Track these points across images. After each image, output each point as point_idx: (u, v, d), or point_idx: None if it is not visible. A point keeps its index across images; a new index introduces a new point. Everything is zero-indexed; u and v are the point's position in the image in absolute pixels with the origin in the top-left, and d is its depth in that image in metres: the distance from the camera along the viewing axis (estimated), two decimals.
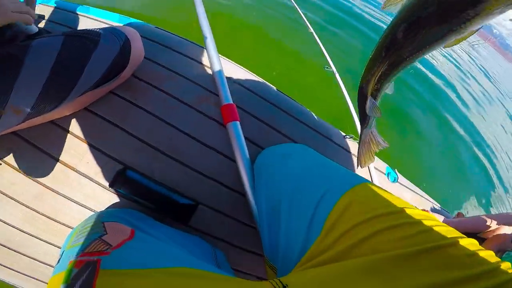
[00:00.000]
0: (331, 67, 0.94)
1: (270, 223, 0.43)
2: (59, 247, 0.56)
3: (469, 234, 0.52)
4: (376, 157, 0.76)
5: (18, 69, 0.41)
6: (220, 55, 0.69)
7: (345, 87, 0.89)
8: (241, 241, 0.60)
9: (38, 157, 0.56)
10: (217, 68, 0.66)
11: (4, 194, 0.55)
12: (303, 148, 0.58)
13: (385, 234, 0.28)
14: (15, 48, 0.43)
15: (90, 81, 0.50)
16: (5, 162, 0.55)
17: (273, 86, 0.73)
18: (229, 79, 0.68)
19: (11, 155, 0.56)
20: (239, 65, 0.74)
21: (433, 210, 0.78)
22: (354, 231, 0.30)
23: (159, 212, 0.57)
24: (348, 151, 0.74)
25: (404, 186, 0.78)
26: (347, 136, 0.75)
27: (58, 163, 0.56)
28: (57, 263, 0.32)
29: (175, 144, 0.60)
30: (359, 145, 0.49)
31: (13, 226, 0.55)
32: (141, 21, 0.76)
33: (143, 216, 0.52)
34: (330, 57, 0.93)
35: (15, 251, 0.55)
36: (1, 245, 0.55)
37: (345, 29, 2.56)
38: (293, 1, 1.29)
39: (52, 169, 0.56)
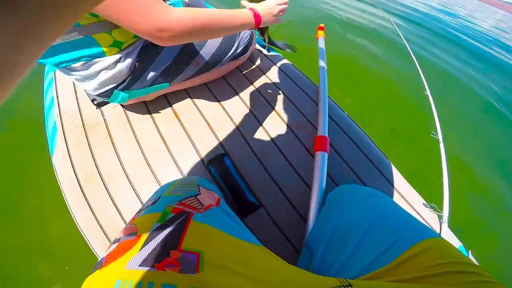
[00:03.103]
0: (437, 135, 0.89)
1: (330, 244, 0.46)
2: (139, 201, 0.64)
3: None
4: (451, 233, 0.69)
5: None
6: (328, 96, 0.78)
7: (446, 159, 0.82)
8: (277, 252, 0.61)
9: (173, 121, 0.76)
10: (323, 104, 0.76)
11: (135, 136, 0.73)
12: (383, 194, 0.59)
13: (454, 276, 0.31)
14: None
15: (233, 53, 0.76)
16: (152, 117, 0.77)
17: (368, 137, 0.77)
18: (329, 116, 0.76)
19: (158, 113, 0.77)
20: (342, 109, 0.81)
21: None
22: (427, 268, 0.32)
23: (229, 198, 0.67)
24: (423, 218, 0.69)
25: None
26: (428, 205, 0.70)
27: (183, 131, 0.74)
28: (152, 205, 0.36)
29: (267, 152, 0.71)
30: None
31: (120, 162, 0.68)
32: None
33: (222, 196, 0.63)
34: (440, 124, 0.88)
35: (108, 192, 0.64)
36: (102, 178, 0.66)
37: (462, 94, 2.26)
38: (416, 62, 1.27)
39: (177, 133, 0.74)
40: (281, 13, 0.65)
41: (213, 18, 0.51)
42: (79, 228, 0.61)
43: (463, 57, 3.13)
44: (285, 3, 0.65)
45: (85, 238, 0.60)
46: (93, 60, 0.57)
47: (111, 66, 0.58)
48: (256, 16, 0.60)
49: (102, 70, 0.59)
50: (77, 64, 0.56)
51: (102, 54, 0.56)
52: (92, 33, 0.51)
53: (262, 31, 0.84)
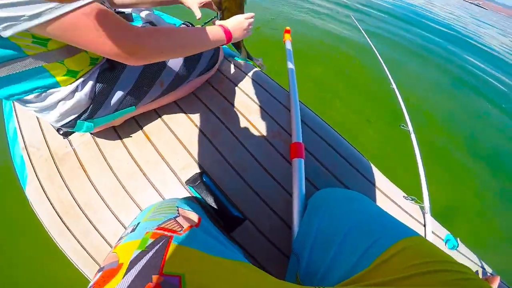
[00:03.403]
0: (407, 126, 0.92)
1: (314, 249, 0.46)
2: (121, 225, 0.64)
3: None
4: (436, 222, 0.71)
5: None
6: (300, 100, 0.79)
7: (419, 148, 0.85)
8: (268, 262, 0.63)
9: (144, 144, 0.74)
10: (295, 111, 0.76)
11: (108, 163, 0.71)
12: (364, 196, 0.60)
13: (429, 276, 0.31)
14: None
15: (200, 68, 0.75)
16: (122, 142, 0.74)
17: (343, 137, 0.78)
18: (302, 121, 0.77)
19: (129, 137, 0.75)
20: (315, 112, 0.82)
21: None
22: (404, 270, 0.33)
23: (213, 215, 0.66)
24: (406, 212, 0.71)
25: (462, 254, 0.70)
26: (409, 198, 0.73)
27: (156, 153, 0.73)
28: (131, 232, 0.36)
29: (245, 165, 0.71)
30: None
31: (97, 191, 0.67)
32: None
33: (204, 214, 0.61)
34: (409, 116, 0.92)
35: (90, 222, 0.64)
36: (81, 209, 0.65)
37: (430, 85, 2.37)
38: (379, 57, 1.32)
39: (151, 156, 0.72)
40: (250, 27, 0.66)
41: (184, 36, 0.51)
42: (69, 257, 0.61)
43: (426, 40, 3.30)
44: (252, 17, 0.66)
45: (77, 267, 0.61)
46: (48, 91, 0.53)
47: (68, 96, 0.55)
48: (227, 32, 0.60)
49: (60, 101, 0.56)
50: (30, 96, 0.53)
51: (56, 85, 0.53)
52: (42, 64, 0.49)
53: (238, 45, 0.83)
